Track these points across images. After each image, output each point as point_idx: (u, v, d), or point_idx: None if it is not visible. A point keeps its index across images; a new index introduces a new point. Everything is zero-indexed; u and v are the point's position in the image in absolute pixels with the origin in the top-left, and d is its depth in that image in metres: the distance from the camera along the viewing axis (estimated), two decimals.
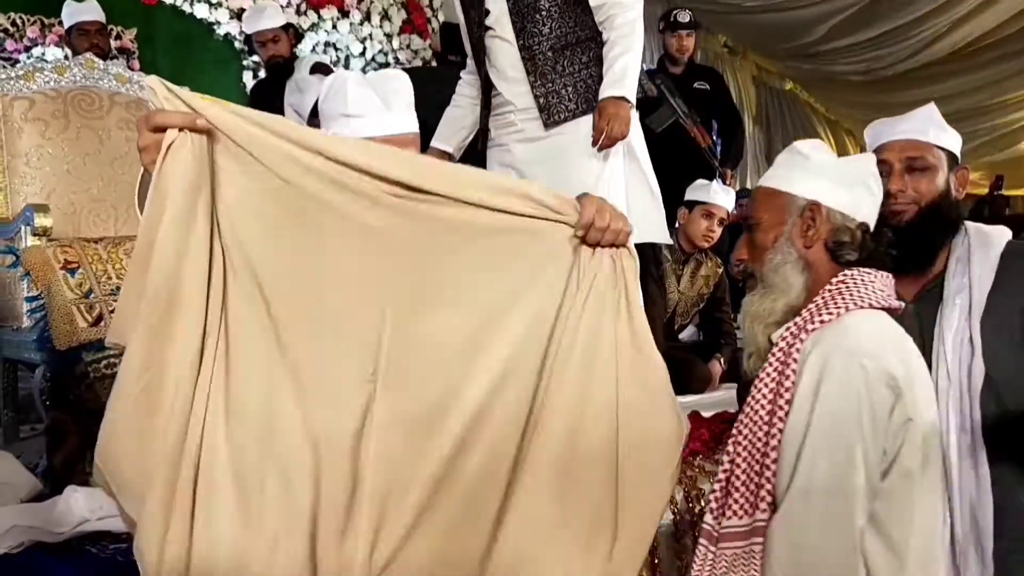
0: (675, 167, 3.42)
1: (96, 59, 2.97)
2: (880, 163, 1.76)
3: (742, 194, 4.57)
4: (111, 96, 2.90)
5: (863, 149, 1.93)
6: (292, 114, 3.87)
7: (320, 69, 4.19)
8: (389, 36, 6.18)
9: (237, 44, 5.58)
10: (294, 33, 4.23)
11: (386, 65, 6.08)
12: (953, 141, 1.84)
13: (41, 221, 2.30)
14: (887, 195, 1.73)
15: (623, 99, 2.46)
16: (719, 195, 3.40)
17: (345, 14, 5.98)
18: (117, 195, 2.83)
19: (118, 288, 2.17)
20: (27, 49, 4.80)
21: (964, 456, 1.66)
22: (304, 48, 5.68)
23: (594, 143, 2.48)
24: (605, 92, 2.49)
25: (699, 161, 4.08)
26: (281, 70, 4.12)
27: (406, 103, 1.75)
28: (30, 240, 2.31)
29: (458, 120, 2.74)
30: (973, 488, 1.63)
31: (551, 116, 2.53)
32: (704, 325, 3.69)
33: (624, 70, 2.49)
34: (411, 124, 1.76)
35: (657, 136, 3.76)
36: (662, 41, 4.49)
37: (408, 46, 6.27)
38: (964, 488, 1.64)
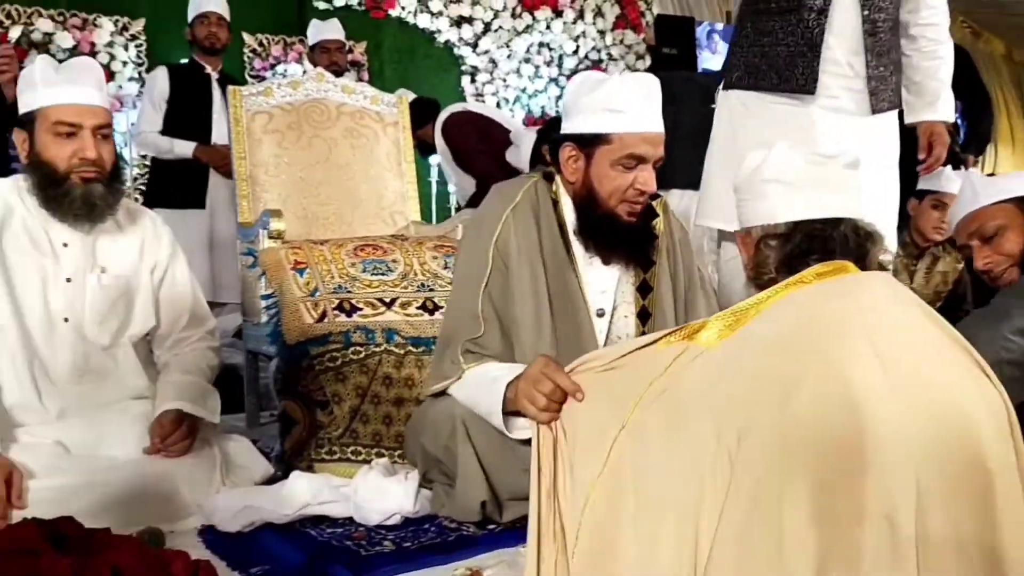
0: (910, 154, 3.18)
1: (325, 72, 3.19)
2: (962, 249, 1.93)
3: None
4: (338, 107, 3.10)
5: None
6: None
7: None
8: (602, 32, 6.19)
9: (456, 51, 5.83)
10: None
11: (599, 62, 6.09)
12: (1013, 184, 1.84)
13: (276, 225, 2.50)
14: (986, 273, 1.85)
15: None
16: (952, 183, 3.08)
17: (559, 13, 6.06)
18: (343, 199, 3.02)
19: (339, 286, 2.32)
20: (272, 67, 5.27)
21: None
22: (518, 49, 5.82)
23: (923, 165, 2.54)
24: (927, 114, 2.48)
25: None
26: None
27: (659, 103, 1.79)
28: (266, 242, 2.52)
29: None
30: None
31: (879, 101, 2.44)
32: None
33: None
34: (662, 124, 1.80)
35: None
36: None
37: (622, 41, 6.24)
38: None
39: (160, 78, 4.07)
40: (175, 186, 4.06)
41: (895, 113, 2.53)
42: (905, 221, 3.23)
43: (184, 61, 4.17)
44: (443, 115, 4.39)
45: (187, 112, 4.04)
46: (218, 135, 4.01)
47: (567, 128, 1.83)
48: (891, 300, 1.28)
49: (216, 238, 4.11)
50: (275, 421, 3.05)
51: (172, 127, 4.03)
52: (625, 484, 1.25)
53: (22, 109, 1.94)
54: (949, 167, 3.09)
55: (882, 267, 1.46)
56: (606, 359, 1.38)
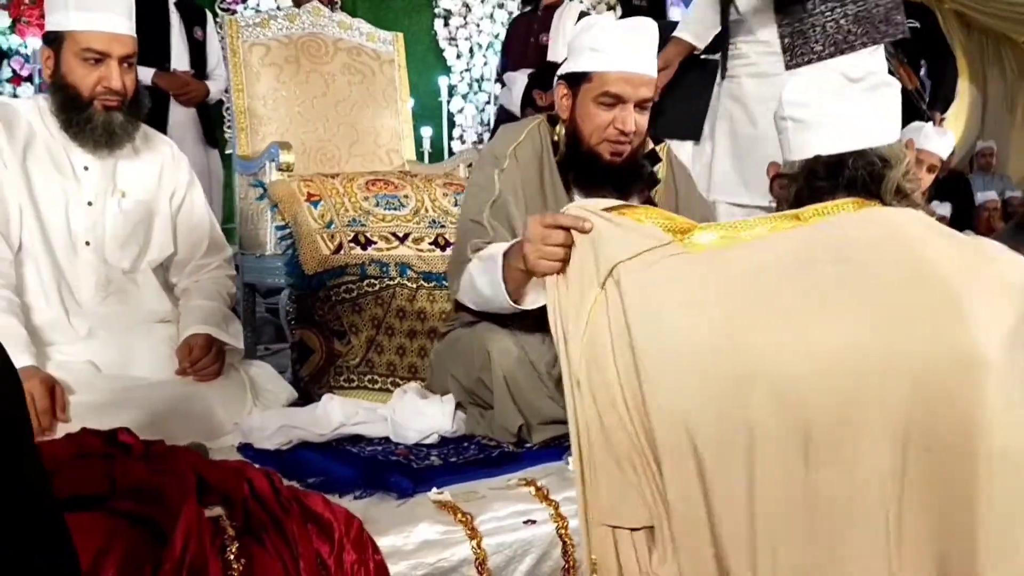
0: None
1: (321, 7, 3.17)
2: None
3: None
4: (335, 42, 3.09)
5: None
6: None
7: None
8: None
9: None
10: None
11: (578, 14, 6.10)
12: None
13: (285, 158, 2.51)
14: None
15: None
16: (932, 139, 3.23)
17: None
18: (340, 136, 3.04)
19: (354, 219, 2.36)
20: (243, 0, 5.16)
21: None
22: None
23: None
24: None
25: (905, 103, 3.89)
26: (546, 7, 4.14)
27: (649, 47, 1.83)
28: (275, 175, 2.53)
29: (710, 16, 2.68)
30: None
31: (794, 58, 2.44)
32: None
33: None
34: (652, 67, 1.85)
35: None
36: None
37: None
38: None
39: None
40: None
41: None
42: None
43: None
44: None
45: (144, 37, 3.86)
46: (178, 62, 3.92)
47: (564, 69, 1.91)
48: (870, 242, 1.29)
49: None
50: (270, 354, 3.10)
51: None
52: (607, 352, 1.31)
53: (50, 27, 1.92)
54: (929, 124, 3.24)
55: (900, 190, 1.45)
56: (602, 205, 1.40)
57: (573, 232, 1.37)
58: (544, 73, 3.62)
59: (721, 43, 2.65)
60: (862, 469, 1.19)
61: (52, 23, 1.92)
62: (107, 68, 1.91)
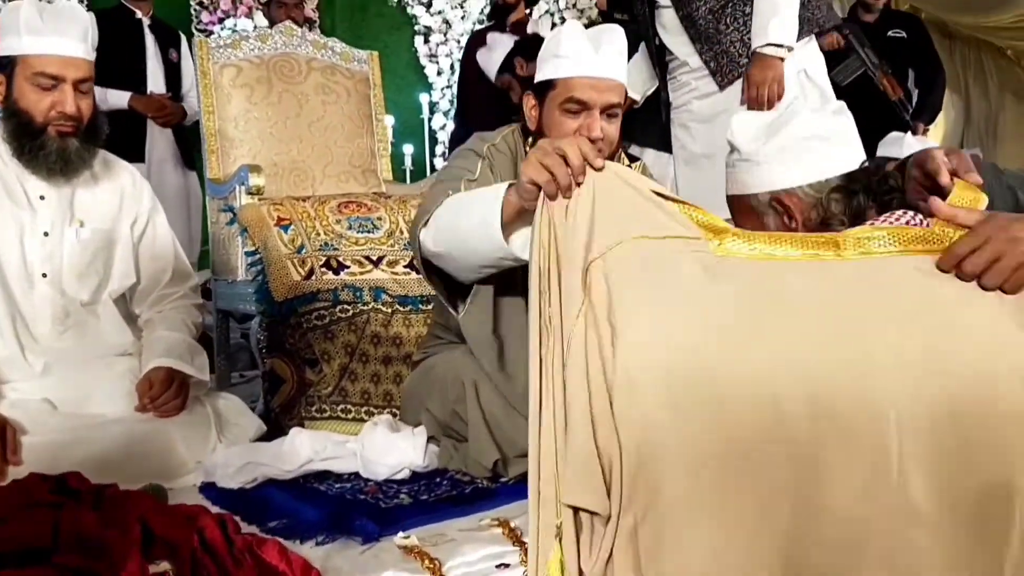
0: (862, 121, 3.27)
1: (294, 26, 3.11)
2: None
3: None
4: (308, 62, 3.02)
5: None
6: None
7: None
8: None
9: (409, 9, 5.72)
10: None
11: (551, 26, 6.06)
12: None
13: (255, 181, 2.44)
14: None
15: (769, 57, 2.39)
16: (913, 150, 3.18)
17: None
18: (314, 156, 2.95)
19: (326, 243, 2.29)
20: (220, 21, 5.10)
21: None
22: (472, 9, 5.75)
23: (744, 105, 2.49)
24: (753, 46, 2.43)
25: (889, 115, 3.87)
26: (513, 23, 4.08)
27: (616, 52, 1.76)
28: (244, 199, 2.46)
29: (646, 71, 2.79)
30: None
31: (724, 77, 2.55)
32: None
33: (771, 9, 2.39)
34: (619, 72, 1.77)
35: (844, 89, 3.58)
36: None
37: (574, 5, 6.21)
38: None
39: None
40: (111, 139, 3.84)
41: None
42: None
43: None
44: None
45: (119, 60, 3.80)
46: (153, 84, 3.89)
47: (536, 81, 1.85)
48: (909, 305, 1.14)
49: (161, 193, 3.94)
50: (245, 382, 3.02)
51: (104, 76, 3.81)
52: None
53: (2, 51, 1.85)
54: (909, 134, 3.19)
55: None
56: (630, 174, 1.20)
57: (589, 172, 1.15)
58: (529, 43, 3.53)
59: (660, 84, 2.76)
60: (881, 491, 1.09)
61: (4, 47, 1.85)
62: (61, 93, 1.84)
